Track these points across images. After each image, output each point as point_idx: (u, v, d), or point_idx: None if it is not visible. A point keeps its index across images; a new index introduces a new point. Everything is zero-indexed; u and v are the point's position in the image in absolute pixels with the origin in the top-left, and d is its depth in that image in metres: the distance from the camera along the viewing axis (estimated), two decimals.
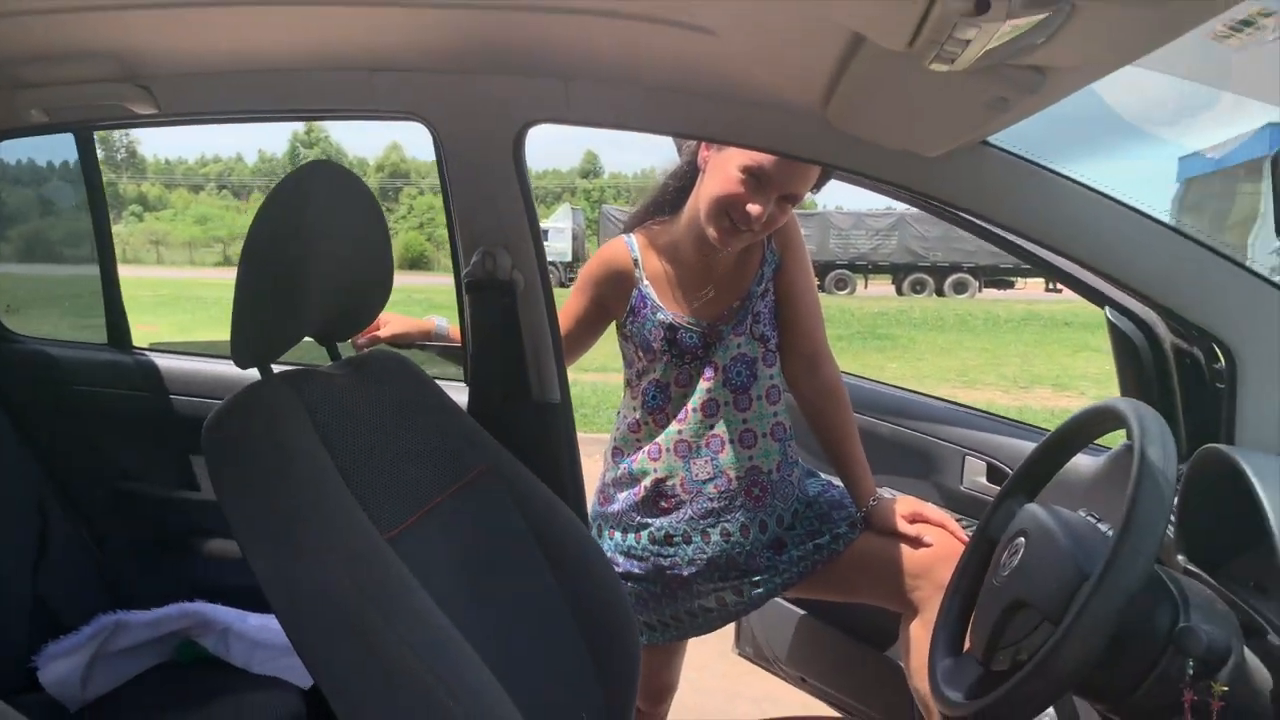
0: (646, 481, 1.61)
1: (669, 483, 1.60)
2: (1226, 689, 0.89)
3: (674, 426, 1.60)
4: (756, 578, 1.61)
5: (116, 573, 1.69)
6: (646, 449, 1.62)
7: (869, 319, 15.81)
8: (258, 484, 0.95)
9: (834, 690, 1.97)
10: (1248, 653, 0.93)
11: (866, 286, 25.87)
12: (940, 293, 26.36)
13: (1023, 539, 1.05)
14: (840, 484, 1.66)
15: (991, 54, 0.68)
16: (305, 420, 1.00)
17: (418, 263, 54.35)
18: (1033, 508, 1.09)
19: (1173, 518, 1.13)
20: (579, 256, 32.11)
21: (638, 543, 1.62)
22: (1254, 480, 0.96)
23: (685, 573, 1.60)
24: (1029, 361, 10.81)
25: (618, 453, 1.68)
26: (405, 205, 63.37)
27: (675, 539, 1.60)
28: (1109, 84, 0.85)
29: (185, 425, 1.72)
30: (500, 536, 1.26)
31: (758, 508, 1.60)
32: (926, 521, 1.55)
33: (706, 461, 1.59)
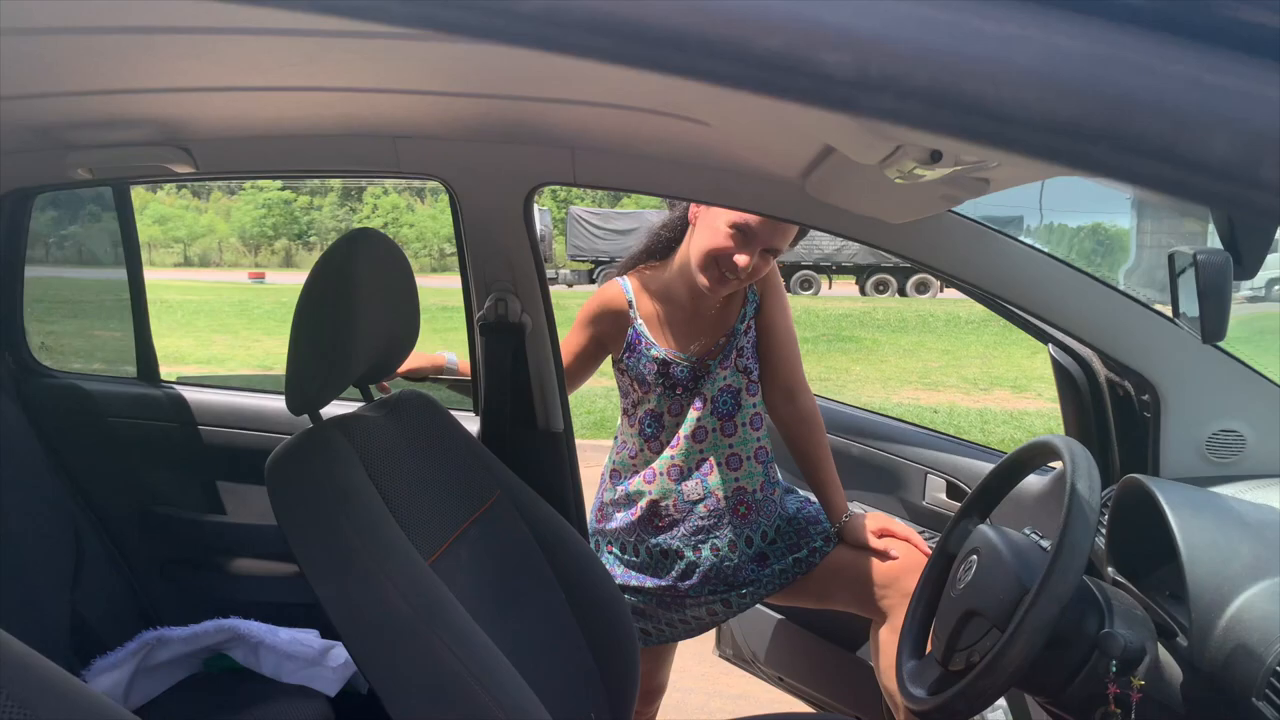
0: (643, 502, 1.77)
1: (663, 503, 1.76)
2: (1144, 683, 1.07)
3: (667, 452, 1.76)
4: (743, 590, 1.77)
5: (148, 591, 1.82)
6: (642, 473, 1.78)
7: (834, 321, 16.08)
8: (319, 519, 1.10)
9: (809, 688, 2.14)
10: (1162, 651, 1.12)
11: (830, 286, 26.22)
12: (903, 293, 26.78)
13: (975, 557, 1.23)
14: (816, 500, 1.84)
15: (944, 178, 0.85)
16: (356, 462, 1.15)
17: None
18: (984, 528, 1.27)
19: (1103, 535, 1.32)
20: (546, 258, 32.19)
21: (635, 557, 1.78)
22: (1165, 506, 1.15)
23: (680, 585, 1.76)
24: (989, 363, 11.11)
25: (616, 475, 1.84)
26: (370, 205, 62.71)
27: (670, 554, 1.76)
28: None
29: (211, 453, 1.85)
30: (515, 557, 1.41)
31: (744, 524, 1.76)
32: (893, 536, 1.73)
33: (697, 483, 1.75)
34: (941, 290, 28.34)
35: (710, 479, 1.75)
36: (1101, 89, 0.33)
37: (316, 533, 1.09)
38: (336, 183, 67.98)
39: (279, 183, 62.23)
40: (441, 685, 1.02)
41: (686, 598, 1.77)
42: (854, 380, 9.23)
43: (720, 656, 2.42)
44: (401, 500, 1.19)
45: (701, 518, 1.75)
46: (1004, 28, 0.33)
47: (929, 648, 1.31)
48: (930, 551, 1.68)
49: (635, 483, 1.78)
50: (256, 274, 33.76)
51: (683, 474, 1.75)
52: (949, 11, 0.33)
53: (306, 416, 1.18)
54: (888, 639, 1.67)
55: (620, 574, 1.80)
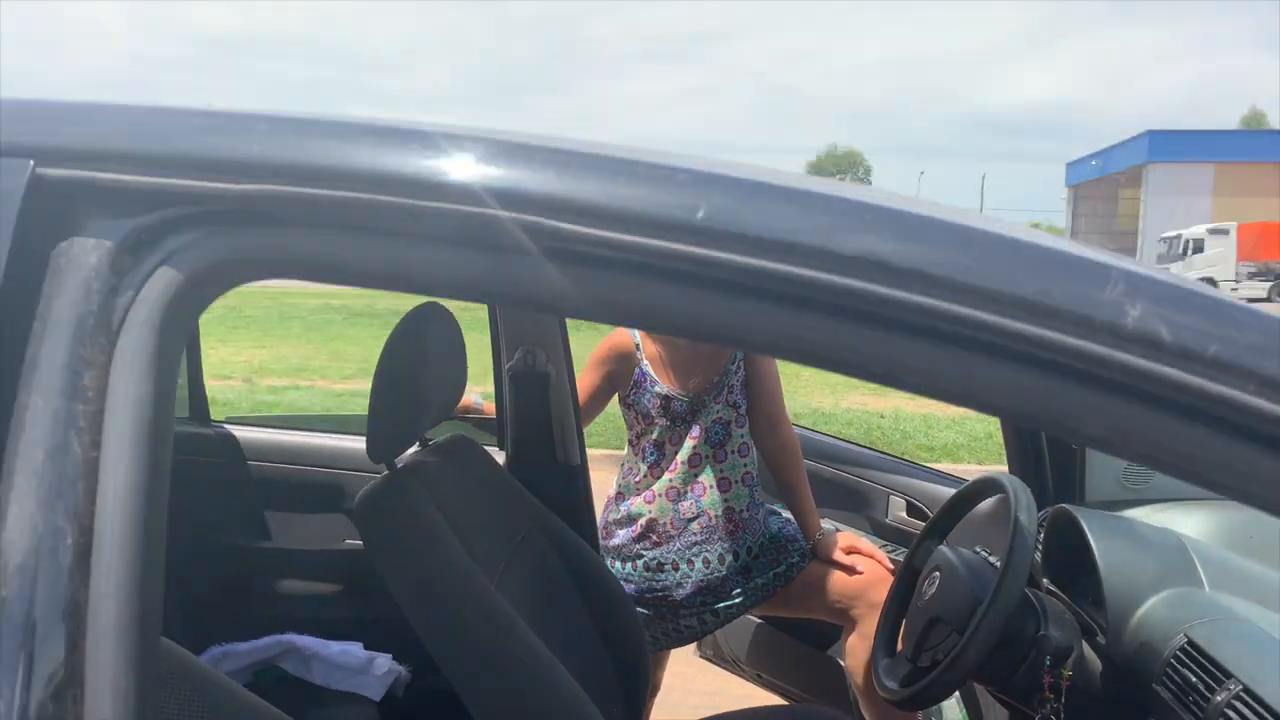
0: (643, 520, 2.02)
1: (661, 521, 2.01)
2: (1071, 673, 1.36)
3: (666, 476, 2.02)
4: (729, 602, 2.03)
5: (201, 611, 2.02)
6: (643, 494, 2.04)
7: None
8: (407, 554, 1.32)
9: (785, 683, 2.41)
10: (1085, 647, 1.41)
11: None
12: None
13: (938, 573, 1.51)
14: (795, 521, 2.11)
15: None
16: (432, 503, 1.38)
17: None
18: (943, 549, 1.55)
19: (1039, 552, 1.61)
20: None
21: (634, 571, 2.04)
22: (1087, 530, 1.44)
23: (675, 596, 2.02)
24: None
25: (620, 496, 2.09)
26: None
27: (666, 566, 2.01)
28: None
29: (258, 486, 2.05)
30: (549, 577, 1.66)
31: (732, 540, 2.02)
32: (860, 553, 2.01)
33: (691, 503, 2.01)
34: None
35: (703, 499, 2.01)
36: None
37: (409, 569, 1.31)
38: None
39: None
40: (522, 690, 1.26)
41: (680, 608, 2.03)
42: (803, 386, 9.58)
43: (701, 657, 2.68)
44: (467, 534, 1.43)
45: (695, 534, 2.00)
46: None
47: (899, 647, 1.59)
48: (892, 566, 1.97)
49: (637, 503, 2.04)
50: None
51: (679, 495, 2.01)
52: None
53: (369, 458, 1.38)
54: (856, 643, 1.95)
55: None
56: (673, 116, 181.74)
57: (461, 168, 0.51)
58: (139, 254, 0.52)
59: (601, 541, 2.11)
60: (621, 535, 2.05)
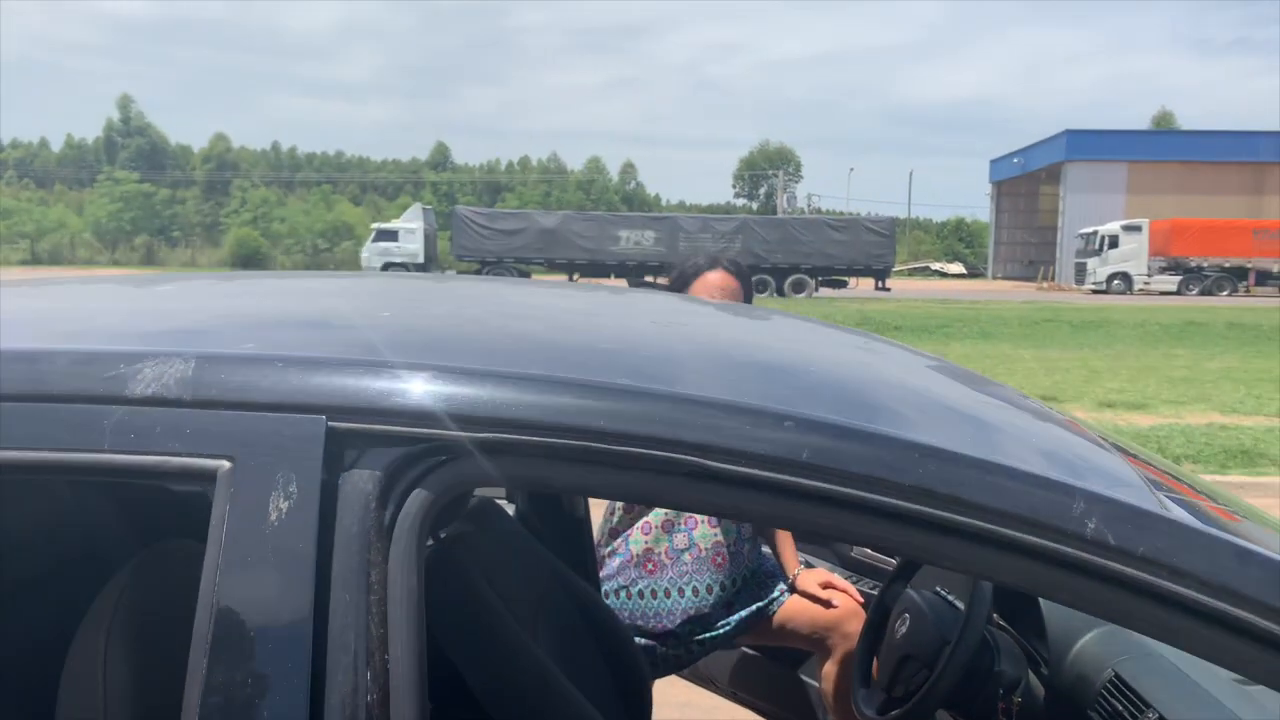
0: (639, 550, 2.22)
1: (656, 551, 2.21)
2: (1020, 700, 1.62)
3: (660, 509, 2.22)
4: (714, 633, 2.25)
5: None
6: (639, 525, 2.24)
7: None
8: (460, 623, 1.51)
9: (757, 700, 2.64)
10: (1032, 677, 1.67)
11: None
12: (781, 292, 28.00)
13: (908, 615, 1.75)
14: (773, 556, 2.34)
15: None
16: (479, 573, 1.57)
17: (251, 261, 51.55)
18: (910, 592, 1.80)
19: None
20: (431, 258, 31.91)
21: (626, 600, 2.24)
22: None
23: (664, 625, 2.23)
24: None
25: (614, 532, 2.28)
26: (237, 199, 59.86)
27: (658, 594, 2.22)
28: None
29: None
30: (567, 630, 1.85)
31: (719, 571, 2.24)
32: (834, 587, 2.25)
33: (684, 535, 2.22)
34: (817, 289, 29.81)
35: (695, 532, 2.22)
36: None
37: (463, 636, 1.50)
38: (200, 175, 65.03)
39: (137, 174, 58.94)
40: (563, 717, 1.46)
41: (668, 636, 2.24)
42: None
43: (678, 675, 2.90)
44: (505, 595, 1.62)
45: (686, 564, 2.21)
46: None
47: (874, 677, 1.83)
48: (861, 599, 2.22)
49: (634, 534, 2.23)
50: None
51: (673, 527, 2.22)
52: None
53: None
54: (829, 670, 2.19)
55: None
56: (604, 107, 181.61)
57: (644, 421, 0.74)
58: (401, 479, 0.72)
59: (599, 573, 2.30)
60: (614, 564, 2.24)
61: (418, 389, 0.75)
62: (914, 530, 0.71)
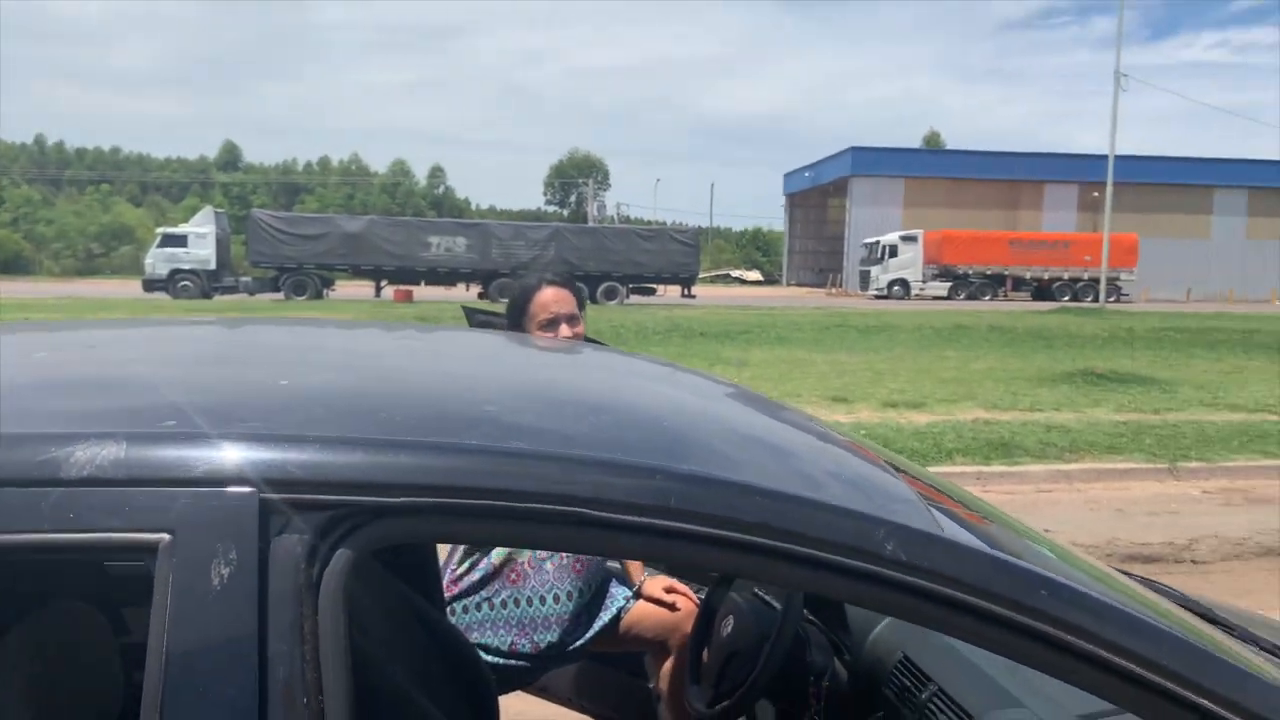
0: (499, 560, 2.29)
1: (518, 560, 2.29)
2: (829, 683, 1.88)
3: None
4: (575, 641, 2.37)
5: None
6: None
7: None
8: None
9: (599, 707, 2.81)
10: (837, 663, 1.94)
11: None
12: (594, 299, 28.47)
13: (732, 616, 1.98)
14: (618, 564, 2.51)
15: None
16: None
17: (11, 265, 46.36)
18: (733, 595, 2.03)
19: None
20: (224, 264, 29.94)
21: (492, 611, 2.30)
22: None
23: (530, 631, 2.32)
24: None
25: (471, 550, 2.36)
26: None
27: (522, 603, 2.31)
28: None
29: None
30: (412, 642, 1.95)
31: (579, 578, 2.36)
32: (676, 591, 2.45)
33: None
34: (628, 296, 30.54)
35: None
36: None
37: None
38: None
39: None
40: None
41: (526, 645, 2.35)
42: None
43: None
44: (359, 620, 1.70)
45: (548, 572, 2.30)
46: None
47: (703, 675, 2.05)
48: (698, 601, 2.44)
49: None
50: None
51: None
52: None
53: None
54: (668, 668, 2.39)
55: (475, 632, 2.33)
56: (407, 108, 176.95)
57: (540, 480, 0.88)
58: (326, 540, 0.82)
59: (448, 592, 2.37)
60: (475, 578, 2.28)
61: (339, 460, 0.86)
62: (757, 557, 0.90)
